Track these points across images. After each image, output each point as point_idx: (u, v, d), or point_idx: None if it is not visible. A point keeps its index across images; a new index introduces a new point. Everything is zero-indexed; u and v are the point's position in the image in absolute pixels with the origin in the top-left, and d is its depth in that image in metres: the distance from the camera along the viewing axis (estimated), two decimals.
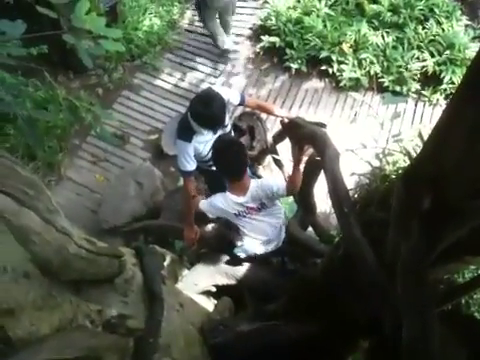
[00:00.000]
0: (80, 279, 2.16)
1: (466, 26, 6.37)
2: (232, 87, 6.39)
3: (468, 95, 1.42)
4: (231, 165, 3.17)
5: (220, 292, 3.77)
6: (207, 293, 3.78)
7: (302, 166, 3.40)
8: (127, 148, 5.94)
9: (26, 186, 1.82)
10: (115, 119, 5.94)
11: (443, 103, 6.06)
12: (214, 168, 3.76)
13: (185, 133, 3.47)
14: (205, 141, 3.56)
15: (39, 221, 1.81)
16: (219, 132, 3.58)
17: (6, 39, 2.40)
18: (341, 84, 6.20)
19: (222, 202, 3.29)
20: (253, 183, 3.28)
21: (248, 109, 5.73)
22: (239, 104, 3.72)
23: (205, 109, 3.25)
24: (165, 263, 3.31)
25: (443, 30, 6.14)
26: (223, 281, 3.73)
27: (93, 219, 5.32)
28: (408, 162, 2.60)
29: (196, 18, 7.16)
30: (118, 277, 2.43)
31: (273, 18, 6.51)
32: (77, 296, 2.12)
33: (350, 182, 2.78)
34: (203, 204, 3.35)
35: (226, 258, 3.74)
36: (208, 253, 3.94)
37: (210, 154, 3.56)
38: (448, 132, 1.53)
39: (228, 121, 3.81)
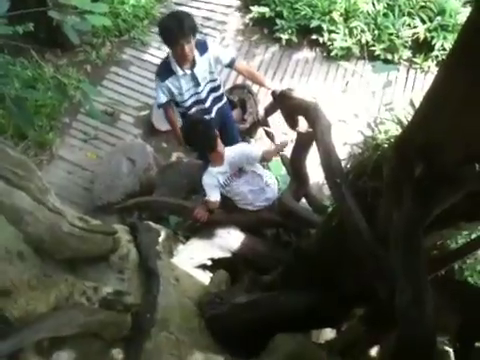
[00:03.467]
0: (75, 257, 2.17)
1: None
2: None
3: (459, 61, 1.40)
4: (201, 141, 3.39)
5: (216, 265, 3.80)
6: (203, 267, 3.81)
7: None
8: (118, 125, 5.87)
9: (16, 167, 1.81)
10: (104, 96, 5.86)
11: (435, 70, 5.99)
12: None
13: (162, 73, 3.74)
14: (180, 87, 3.77)
15: (30, 201, 1.81)
16: (202, 85, 3.81)
17: None
18: (332, 53, 6.11)
19: (209, 178, 3.51)
20: (228, 151, 3.51)
21: (239, 82, 5.71)
22: (228, 65, 3.87)
23: (170, 19, 3.48)
24: (160, 239, 3.32)
25: None
26: (218, 254, 3.75)
27: (87, 197, 5.30)
28: (400, 130, 2.59)
29: None
30: (113, 254, 2.44)
31: None
32: (73, 274, 2.13)
33: (343, 152, 2.77)
34: (209, 195, 3.54)
35: (221, 232, 3.76)
36: (203, 227, 3.95)
37: (188, 100, 3.87)
38: (439, 98, 1.52)
39: (218, 80, 3.99)
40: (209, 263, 3.79)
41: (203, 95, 3.93)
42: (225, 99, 4.22)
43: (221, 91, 4.13)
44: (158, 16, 6.65)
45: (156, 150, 5.47)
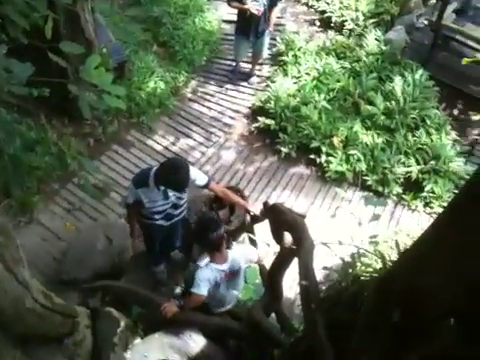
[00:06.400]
0: (29, 335, 2.05)
1: (454, 141, 6.59)
2: (221, 159, 6.51)
3: (452, 220, 1.44)
4: (211, 241, 3.52)
5: None
6: None
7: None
8: (105, 201, 5.86)
9: None
10: (100, 172, 5.91)
11: (422, 210, 6.16)
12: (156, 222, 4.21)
13: (138, 182, 3.98)
14: (152, 199, 3.99)
15: (2, 269, 1.74)
16: (171, 199, 4.02)
17: (13, 79, 2.44)
18: (326, 175, 6.31)
19: (209, 272, 3.58)
20: (232, 253, 3.71)
21: (233, 184, 5.82)
22: (204, 186, 4.09)
23: (172, 174, 3.69)
24: (119, 329, 3.16)
25: (431, 141, 6.35)
26: (174, 357, 3.57)
27: (55, 268, 5.15)
28: (380, 265, 2.60)
29: (199, 88, 7.38)
30: (68, 338, 2.32)
31: (272, 102, 6.71)
32: (23, 353, 2.00)
33: (320, 275, 2.77)
34: (198, 287, 3.54)
35: (183, 334, 3.62)
36: (166, 324, 3.79)
37: (152, 210, 4.07)
38: (428, 253, 1.54)
39: (185, 197, 4.16)
40: None
41: (167, 206, 4.12)
42: (184, 208, 4.36)
43: (184, 205, 4.29)
44: (170, 107, 6.93)
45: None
